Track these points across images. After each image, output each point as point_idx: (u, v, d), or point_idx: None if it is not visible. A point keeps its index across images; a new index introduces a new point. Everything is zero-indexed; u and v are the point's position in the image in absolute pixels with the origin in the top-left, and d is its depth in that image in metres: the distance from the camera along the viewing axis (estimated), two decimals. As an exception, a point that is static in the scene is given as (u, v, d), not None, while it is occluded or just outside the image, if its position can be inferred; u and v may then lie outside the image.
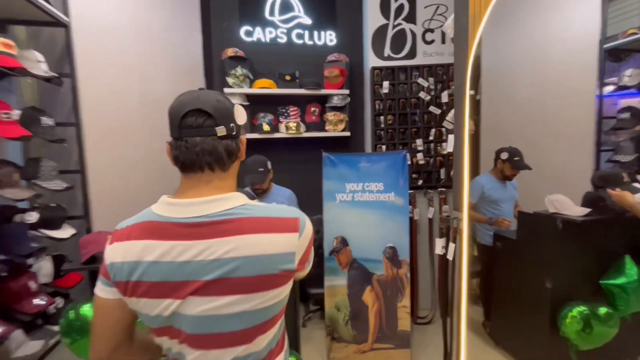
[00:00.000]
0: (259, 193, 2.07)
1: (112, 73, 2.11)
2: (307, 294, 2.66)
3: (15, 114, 1.53)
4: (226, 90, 2.66)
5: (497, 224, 2.36)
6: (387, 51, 2.75)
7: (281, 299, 0.70)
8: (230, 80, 2.67)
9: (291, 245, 0.68)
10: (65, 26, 1.81)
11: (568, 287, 1.91)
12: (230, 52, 2.69)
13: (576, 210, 1.84)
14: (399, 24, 2.72)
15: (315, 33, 2.97)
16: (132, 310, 0.67)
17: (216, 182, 0.68)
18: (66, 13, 1.82)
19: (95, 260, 1.40)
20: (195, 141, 0.65)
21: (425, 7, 2.72)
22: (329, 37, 2.99)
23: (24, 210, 1.65)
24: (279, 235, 0.67)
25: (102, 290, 0.68)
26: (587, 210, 1.82)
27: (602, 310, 1.81)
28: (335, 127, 2.85)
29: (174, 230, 0.64)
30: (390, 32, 2.73)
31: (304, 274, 0.76)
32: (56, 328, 1.56)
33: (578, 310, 1.83)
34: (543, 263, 1.98)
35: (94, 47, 1.98)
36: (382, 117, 2.72)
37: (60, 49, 1.93)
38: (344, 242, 2.26)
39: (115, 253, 0.65)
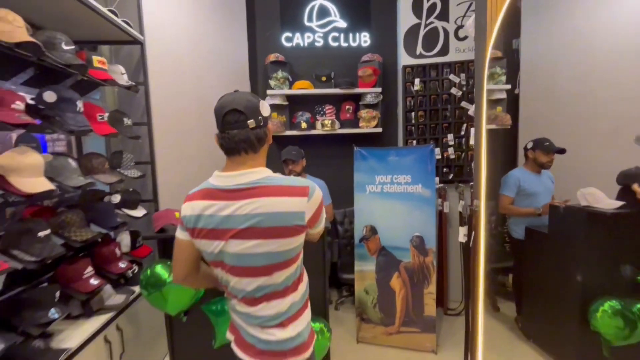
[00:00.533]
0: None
1: (174, 80, 2.50)
2: (339, 279, 2.86)
3: (107, 116, 1.93)
4: (268, 91, 2.95)
5: (545, 212, 2.26)
6: (419, 49, 2.85)
7: (294, 246, 0.94)
8: (272, 82, 2.95)
9: (301, 206, 0.91)
10: (140, 43, 2.21)
11: (599, 281, 1.89)
12: (272, 57, 2.97)
13: (608, 203, 1.82)
14: (431, 22, 2.80)
15: (350, 35, 3.15)
16: (197, 249, 0.97)
17: (249, 162, 0.94)
18: (142, 33, 2.22)
19: (165, 230, 1.73)
20: (234, 133, 0.90)
21: (458, 5, 2.77)
22: (363, 39, 3.16)
23: (110, 193, 2.07)
24: (291, 199, 0.90)
25: (180, 233, 0.98)
26: (619, 203, 1.79)
27: (637, 306, 1.78)
28: (368, 123, 3.01)
29: (220, 194, 0.91)
30: (422, 31, 2.83)
31: (316, 231, 1.01)
32: (133, 288, 1.95)
33: (609, 304, 1.81)
34: (574, 257, 1.97)
35: (162, 59, 2.37)
36: (413, 114, 2.82)
37: (137, 62, 2.34)
38: (373, 230, 2.42)
39: (187, 209, 0.94)
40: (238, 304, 0.99)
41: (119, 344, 1.74)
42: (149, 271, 1.58)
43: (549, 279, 2.17)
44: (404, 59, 2.87)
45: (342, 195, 2.78)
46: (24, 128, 1.33)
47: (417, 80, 2.77)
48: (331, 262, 2.80)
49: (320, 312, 1.75)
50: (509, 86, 3.04)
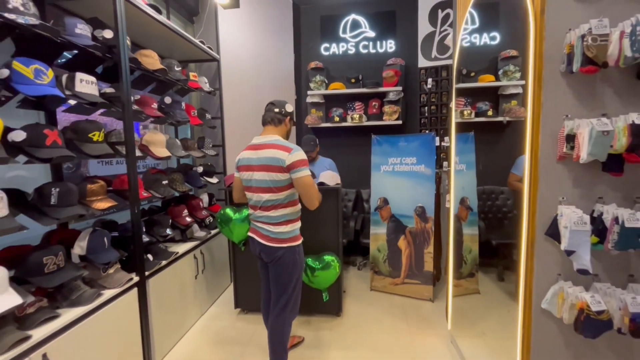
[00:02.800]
0: (309, 160, 3.03)
1: (239, 86, 3.38)
2: (360, 244, 3.51)
3: (195, 112, 2.85)
4: (309, 92, 3.71)
5: None
6: (434, 53, 3.34)
7: (284, 179, 1.68)
8: (312, 85, 3.70)
9: (284, 156, 1.67)
10: (217, 61, 3.12)
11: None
12: (313, 64, 3.72)
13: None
14: (445, 30, 3.28)
15: (378, 43, 3.75)
16: (240, 179, 1.81)
17: (271, 131, 1.79)
18: (218, 52, 3.13)
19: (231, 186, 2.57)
20: (267, 113, 1.82)
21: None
22: (389, 45, 3.73)
23: (195, 165, 3.02)
24: (280, 151, 1.68)
25: (235, 172, 1.84)
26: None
27: None
28: (390, 117, 3.59)
29: (252, 147, 1.78)
30: (436, 38, 3.31)
31: (296, 176, 1.68)
32: (210, 230, 2.85)
33: None
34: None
35: (231, 71, 3.27)
36: (426, 108, 3.33)
37: (213, 74, 3.27)
38: (385, 201, 3.03)
39: (238, 157, 1.80)
40: (257, 211, 1.80)
41: (201, 262, 2.65)
42: (222, 211, 2.44)
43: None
44: (421, 62, 3.39)
45: (368, 176, 3.42)
46: (155, 119, 2.25)
47: (429, 80, 3.27)
48: (354, 230, 3.46)
49: (333, 249, 2.45)
50: (523, 82, 3.37)
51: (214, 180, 3.04)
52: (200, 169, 2.99)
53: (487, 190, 3.67)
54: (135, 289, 1.88)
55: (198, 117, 2.87)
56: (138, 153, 1.99)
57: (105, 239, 1.76)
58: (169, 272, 2.20)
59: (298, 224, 1.85)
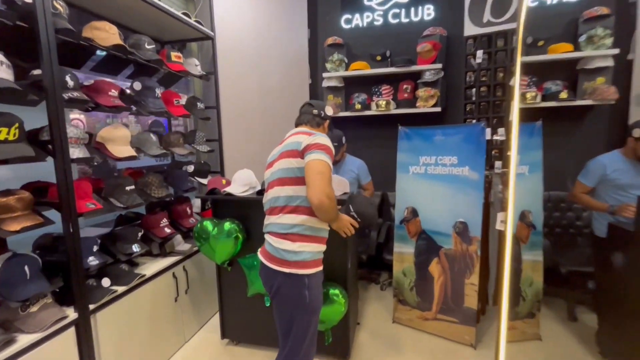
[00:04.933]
0: (332, 163, 2.42)
1: (239, 70, 2.86)
2: (383, 260, 2.87)
3: (183, 100, 2.38)
4: (324, 74, 3.08)
5: (621, 212, 1.94)
6: (487, 16, 2.52)
7: (297, 166, 1.30)
8: (328, 65, 3.07)
9: (303, 139, 1.32)
10: (211, 39, 2.61)
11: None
12: (330, 40, 3.07)
13: None
14: (504, -17, 2.44)
15: (412, 10, 2.99)
16: None
17: (304, 130, 1.44)
18: (212, 29, 2.61)
19: (214, 192, 2.07)
20: (303, 115, 1.53)
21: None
22: (427, 12, 2.96)
23: (186, 163, 2.57)
24: (304, 136, 1.34)
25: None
26: None
27: None
28: (425, 103, 2.86)
29: (281, 141, 1.45)
30: (492, -6, 2.49)
31: (307, 159, 1.27)
32: (199, 241, 2.41)
33: None
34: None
35: (228, 51, 2.75)
36: (473, 90, 2.54)
37: (211, 55, 2.78)
38: (414, 212, 2.36)
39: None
40: (267, 217, 1.46)
41: (184, 281, 2.21)
42: (199, 225, 1.96)
43: (633, 287, 1.76)
44: (468, 29, 2.59)
45: (394, 175, 2.75)
46: (117, 109, 1.81)
47: (479, 52, 2.48)
48: (377, 243, 2.83)
49: (339, 279, 1.87)
50: (616, 51, 2.44)
51: (207, 181, 2.58)
52: (191, 169, 2.54)
53: (554, 197, 2.82)
54: (72, 330, 1.47)
55: (186, 106, 2.41)
56: (82, 153, 1.55)
57: (27, 268, 1.36)
58: (134, 298, 1.79)
59: (318, 247, 1.35)
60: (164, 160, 2.75)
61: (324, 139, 1.31)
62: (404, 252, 2.41)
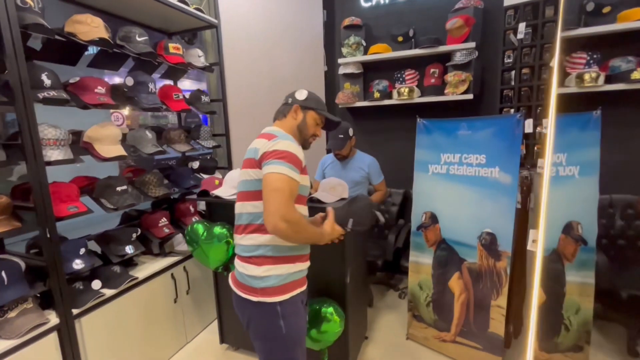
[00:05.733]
0: (339, 158, 2.17)
1: (248, 59, 2.68)
2: (401, 268, 2.60)
3: (183, 95, 2.28)
4: (340, 60, 2.79)
5: None
6: (534, -20, 2.04)
7: (256, 178, 1.10)
8: (344, 50, 2.77)
9: (261, 144, 1.12)
10: (215, 27, 2.45)
11: None
12: (347, 21, 2.76)
13: None
14: (557, -64, 1.94)
15: (442, -21, 2.56)
16: None
17: (271, 130, 1.21)
18: (216, 16, 2.45)
19: (206, 193, 1.95)
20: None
21: None
22: (460, -20, 2.51)
23: (192, 159, 2.49)
24: (263, 140, 1.13)
25: None
26: None
27: None
28: (455, 89, 2.46)
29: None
30: (540, -48, 2.00)
31: (266, 171, 1.05)
32: (203, 240, 2.33)
33: None
34: None
35: (235, 39, 2.57)
36: (513, 73, 2.10)
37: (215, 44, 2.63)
38: (433, 218, 2.05)
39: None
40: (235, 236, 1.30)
41: (185, 282, 2.16)
42: (190, 227, 1.85)
43: None
44: (509, -2, 2.13)
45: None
46: (103, 107, 1.73)
47: (522, 26, 2.02)
48: (394, 248, 2.55)
49: (336, 295, 1.66)
50: None
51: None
52: (196, 165, 2.46)
53: (618, 201, 2.31)
54: (54, 335, 1.45)
55: (189, 101, 2.30)
56: (62, 155, 1.49)
57: (4, 273, 1.34)
58: (126, 301, 1.75)
59: (291, 267, 1.15)
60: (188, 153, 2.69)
61: (285, 143, 1.09)
62: (420, 262, 2.11)
